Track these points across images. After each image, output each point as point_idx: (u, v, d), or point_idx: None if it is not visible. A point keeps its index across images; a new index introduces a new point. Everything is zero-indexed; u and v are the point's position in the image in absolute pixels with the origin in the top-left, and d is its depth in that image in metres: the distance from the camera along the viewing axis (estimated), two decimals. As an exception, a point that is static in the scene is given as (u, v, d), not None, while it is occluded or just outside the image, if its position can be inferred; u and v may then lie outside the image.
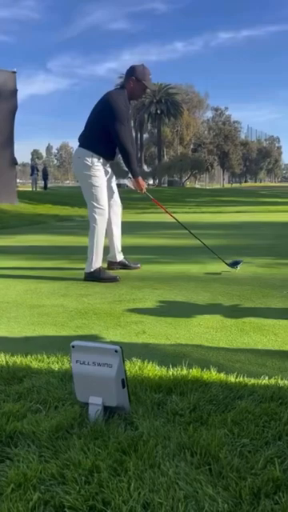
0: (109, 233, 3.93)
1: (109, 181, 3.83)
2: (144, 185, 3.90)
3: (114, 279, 3.62)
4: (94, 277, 3.62)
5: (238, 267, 3.86)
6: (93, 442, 1.24)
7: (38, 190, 27.13)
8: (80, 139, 3.71)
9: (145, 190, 3.92)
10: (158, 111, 51.60)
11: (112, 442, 1.23)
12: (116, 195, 3.94)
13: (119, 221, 4.01)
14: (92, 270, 3.62)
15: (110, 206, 3.81)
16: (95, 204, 3.61)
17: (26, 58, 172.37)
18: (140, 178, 3.85)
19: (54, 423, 1.34)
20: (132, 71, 3.65)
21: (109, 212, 3.78)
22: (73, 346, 1.41)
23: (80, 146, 3.68)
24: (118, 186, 4.08)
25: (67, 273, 4.01)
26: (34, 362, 1.83)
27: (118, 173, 4.03)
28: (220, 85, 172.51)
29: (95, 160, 3.60)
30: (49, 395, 1.52)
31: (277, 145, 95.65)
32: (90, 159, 3.59)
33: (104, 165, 3.69)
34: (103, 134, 3.58)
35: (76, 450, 1.20)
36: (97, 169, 3.61)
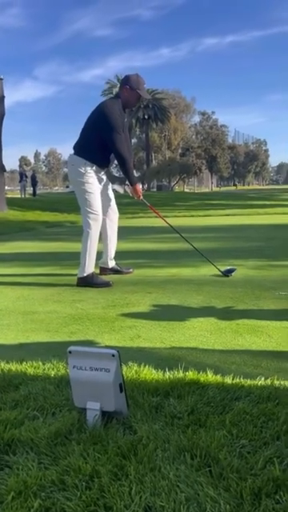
0: (104, 239, 3.96)
1: (104, 187, 3.87)
2: (141, 191, 3.94)
3: (106, 284, 3.62)
4: (87, 282, 3.61)
5: (232, 275, 3.89)
6: (92, 448, 1.23)
7: (26, 196, 27.01)
8: (75, 147, 3.75)
9: (142, 197, 3.96)
10: (146, 116, 51.79)
11: (111, 447, 1.23)
12: (113, 202, 3.98)
13: (116, 227, 4.04)
14: (85, 274, 3.62)
15: (106, 212, 3.86)
16: (88, 209, 3.64)
17: (13, 66, 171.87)
18: (138, 185, 3.91)
19: (53, 429, 1.33)
20: (126, 80, 3.69)
21: (105, 219, 3.83)
22: (70, 352, 1.41)
23: (75, 153, 3.72)
24: None
25: (59, 279, 4.00)
26: (29, 368, 1.82)
27: (109, 179, 4.06)
28: (206, 89, 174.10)
29: (88, 168, 3.65)
30: (46, 402, 1.51)
31: (264, 148, 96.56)
32: (83, 167, 3.64)
33: (98, 172, 3.74)
34: (98, 142, 3.62)
35: (75, 456, 1.19)
36: (90, 176, 3.66)
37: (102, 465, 1.15)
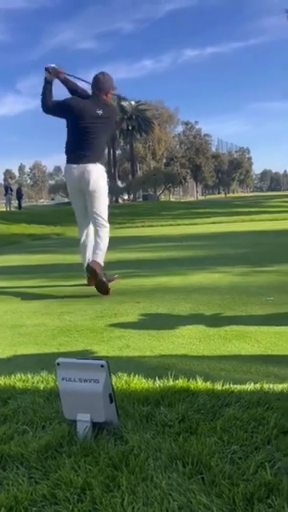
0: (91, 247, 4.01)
1: None
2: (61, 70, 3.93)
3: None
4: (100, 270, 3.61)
5: None
6: (83, 460, 1.22)
7: (12, 209, 26.88)
8: (89, 155, 3.78)
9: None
10: (130, 127, 52.14)
11: (103, 458, 1.22)
12: None
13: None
14: (102, 264, 3.65)
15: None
16: (106, 212, 3.85)
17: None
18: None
19: (43, 443, 1.31)
20: (108, 82, 3.88)
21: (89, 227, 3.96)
22: (58, 364, 1.40)
23: (95, 162, 3.79)
24: None
25: (47, 291, 3.98)
26: (18, 382, 1.80)
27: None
28: (189, 100, 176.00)
29: (104, 172, 3.91)
30: (35, 415, 1.50)
31: (247, 156, 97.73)
32: (103, 172, 3.87)
33: None
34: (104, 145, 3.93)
35: (66, 469, 1.18)
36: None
37: (94, 477, 1.14)
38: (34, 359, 2.21)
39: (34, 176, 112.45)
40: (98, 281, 3.59)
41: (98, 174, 3.81)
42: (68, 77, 3.94)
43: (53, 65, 3.84)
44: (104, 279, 3.70)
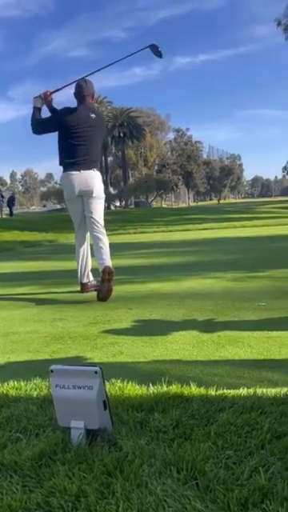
0: (87, 254, 4.03)
1: None
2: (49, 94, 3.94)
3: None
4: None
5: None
6: (77, 467, 1.22)
7: (3, 216, 26.78)
8: (89, 161, 3.85)
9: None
10: (121, 134, 52.38)
11: (97, 465, 1.21)
12: None
13: None
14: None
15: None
16: (103, 218, 3.91)
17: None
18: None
19: (36, 451, 1.31)
20: (92, 87, 3.97)
21: (85, 235, 4.02)
22: (51, 371, 1.39)
23: (95, 169, 3.89)
24: None
25: (40, 298, 3.96)
26: (11, 390, 1.79)
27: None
28: (180, 107, 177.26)
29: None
30: (29, 423, 1.49)
31: (238, 162, 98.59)
32: (101, 179, 3.96)
33: None
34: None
35: (61, 477, 1.18)
36: None
37: (88, 484, 1.14)
38: (27, 366, 2.20)
39: (25, 183, 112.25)
40: (111, 286, 3.60)
41: (99, 181, 3.89)
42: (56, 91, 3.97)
43: (41, 93, 3.90)
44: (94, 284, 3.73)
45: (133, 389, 1.71)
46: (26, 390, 1.77)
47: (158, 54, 4.07)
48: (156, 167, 64.42)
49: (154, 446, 1.31)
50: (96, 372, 1.35)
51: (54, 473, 1.20)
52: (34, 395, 1.72)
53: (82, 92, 3.90)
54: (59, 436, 1.38)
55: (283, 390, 1.63)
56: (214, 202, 77.40)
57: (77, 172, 3.81)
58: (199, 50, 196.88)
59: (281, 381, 1.84)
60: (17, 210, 38.32)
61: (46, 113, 3.93)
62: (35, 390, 1.78)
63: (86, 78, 3.97)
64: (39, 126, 3.91)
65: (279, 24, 38.27)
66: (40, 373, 1.94)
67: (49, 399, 1.58)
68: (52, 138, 3.90)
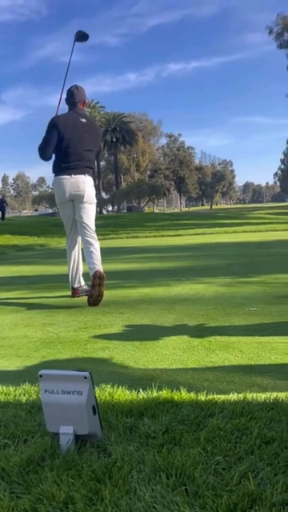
0: (78, 259, 4.04)
1: None
2: None
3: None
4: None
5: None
6: (66, 473, 1.21)
7: (-5, 220, 26.61)
8: (81, 166, 3.86)
9: None
10: (114, 139, 52.45)
11: (86, 471, 1.20)
12: None
13: None
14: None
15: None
16: (94, 223, 3.93)
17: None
18: None
19: (24, 457, 1.29)
20: (83, 94, 4.01)
21: (77, 239, 4.03)
22: (41, 376, 1.38)
23: (87, 174, 3.89)
24: None
25: (30, 303, 3.94)
26: (-1, 395, 1.77)
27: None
28: (173, 113, 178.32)
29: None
30: (17, 429, 1.47)
31: (230, 168, 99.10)
32: (93, 185, 3.98)
33: None
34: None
35: (49, 483, 1.16)
36: None
37: (77, 490, 1.13)
38: (16, 372, 2.18)
39: (17, 187, 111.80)
40: (101, 291, 3.59)
41: (90, 186, 3.90)
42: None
43: None
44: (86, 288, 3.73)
45: (123, 394, 1.71)
46: (15, 396, 1.76)
47: (84, 38, 4.32)
48: (148, 172, 64.58)
49: (143, 452, 1.30)
50: (85, 377, 1.34)
51: (42, 479, 1.19)
52: (23, 400, 1.70)
53: (73, 98, 3.92)
54: (48, 442, 1.37)
55: (273, 396, 1.64)
56: (206, 207, 77.74)
57: (68, 176, 3.81)
58: (191, 56, 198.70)
59: (270, 386, 1.84)
60: (8, 213, 38.12)
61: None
62: (24, 395, 1.76)
63: (78, 85, 3.99)
64: (45, 145, 3.82)
65: (271, 32, 38.81)
66: (29, 378, 1.93)
67: (38, 404, 1.56)
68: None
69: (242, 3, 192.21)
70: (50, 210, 57.89)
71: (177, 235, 13.93)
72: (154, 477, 1.18)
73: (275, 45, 39.20)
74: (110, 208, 56.40)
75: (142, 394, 1.70)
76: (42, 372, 1.39)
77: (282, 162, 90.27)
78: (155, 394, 1.69)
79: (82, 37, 4.32)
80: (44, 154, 3.82)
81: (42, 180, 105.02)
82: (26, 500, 1.11)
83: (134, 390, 1.75)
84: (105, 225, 17.52)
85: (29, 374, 2.02)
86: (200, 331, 2.75)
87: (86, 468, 1.22)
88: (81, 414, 1.33)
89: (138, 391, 1.73)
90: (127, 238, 13.72)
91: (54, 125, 3.81)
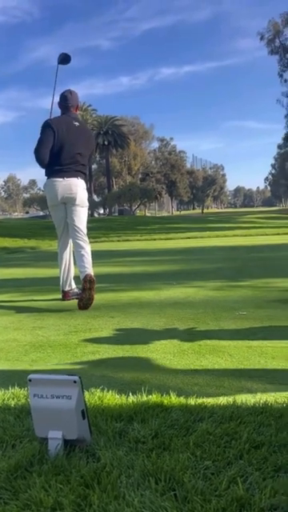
0: (70, 262, 4.02)
1: None
2: None
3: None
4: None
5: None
6: (54, 479, 1.20)
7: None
8: (74, 169, 3.85)
9: None
10: (106, 142, 52.48)
11: (74, 477, 1.20)
12: None
13: None
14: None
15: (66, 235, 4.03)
16: (85, 226, 3.92)
17: None
18: None
19: (12, 462, 1.28)
20: (77, 99, 4.03)
21: (68, 242, 4.01)
22: (30, 380, 1.37)
23: (80, 177, 3.89)
24: None
25: (20, 305, 3.91)
26: (-12, 400, 1.75)
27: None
28: (165, 117, 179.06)
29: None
30: (5, 433, 1.46)
31: (221, 172, 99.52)
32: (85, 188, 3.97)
33: None
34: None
35: (37, 489, 1.15)
36: None
37: (65, 496, 1.12)
38: (5, 375, 2.16)
39: (8, 189, 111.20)
40: (92, 294, 3.58)
41: (83, 189, 3.89)
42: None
43: None
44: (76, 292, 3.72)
45: (112, 398, 1.70)
46: (4, 400, 1.74)
47: (66, 61, 4.41)
48: (140, 176, 64.68)
49: (132, 457, 1.29)
50: (75, 381, 1.34)
51: (29, 485, 1.18)
52: (12, 405, 1.69)
53: (66, 103, 3.93)
54: (36, 447, 1.36)
55: (262, 400, 1.64)
56: (198, 211, 78.02)
57: (61, 179, 3.80)
58: (184, 61, 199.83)
59: (260, 390, 1.85)
60: (-1, 215, 37.94)
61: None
62: (13, 399, 1.75)
63: (72, 90, 4.00)
64: (40, 147, 3.78)
65: (262, 38, 39.21)
66: (18, 382, 1.92)
67: (27, 409, 1.55)
68: (33, 146, 3.88)
69: (233, 9, 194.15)
70: (41, 213, 57.67)
71: (168, 239, 13.95)
72: (143, 482, 1.18)
73: (267, 50, 39.62)
74: (102, 211, 56.34)
75: (132, 399, 1.70)
76: (31, 376, 1.38)
77: (273, 166, 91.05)
78: (145, 398, 1.69)
79: (64, 59, 4.39)
80: (40, 155, 3.79)
81: (33, 182, 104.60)
82: (14, 506, 1.10)
83: (123, 395, 1.74)
84: (96, 228, 17.49)
85: (18, 378, 2.01)
86: (190, 335, 2.75)
87: (75, 473, 1.21)
88: (70, 419, 1.32)
89: (128, 395, 1.73)
90: (118, 241, 13.72)
91: (48, 126, 3.80)
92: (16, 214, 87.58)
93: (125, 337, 2.80)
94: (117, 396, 1.73)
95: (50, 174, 3.84)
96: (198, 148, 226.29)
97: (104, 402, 1.66)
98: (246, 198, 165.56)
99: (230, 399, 1.67)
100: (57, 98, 4.01)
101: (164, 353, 2.43)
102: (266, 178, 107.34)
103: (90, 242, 3.94)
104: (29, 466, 1.27)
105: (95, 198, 56.91)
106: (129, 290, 4.56)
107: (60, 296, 4.04)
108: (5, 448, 1.38)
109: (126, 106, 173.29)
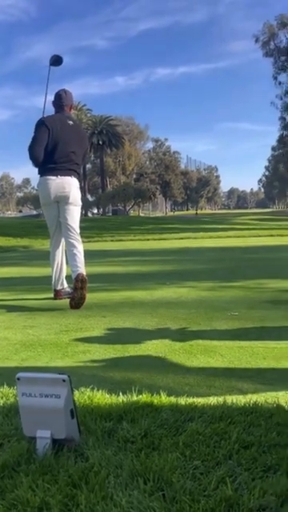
0: (62, 261, 4.00)
1: None
2: None
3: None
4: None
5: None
6: (41, 478, 1.18)
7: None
8: (68, 168, 3.83)
9: None
10: (100, 142, 52.41)
11: (62, 476, 1.18)
12: None
13: None
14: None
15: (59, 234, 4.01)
16: (78, 226, 3.91)
17: None
18: None
19: None
20: (71, 98, 4.03)
21: (61, 241, 3.98)
22: (18, 379, 1.36)
23: (73, 176, 3.87)
24: None
25: (11, 304, 3.89)
26: (-24, 398, 1.73)
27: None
28: (159, 117, 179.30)
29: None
30: (-7, 433, 1.44)
31: (215, 174, 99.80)
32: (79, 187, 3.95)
33: None
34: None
35: (24, 488, 1.14)
36: None
37: (52, 496, 1.11)
38: (-5, 374, 2.14)
39: (1, 188, 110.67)
40: (84, 294, 3.55)
41: (76, 188, 3.87)
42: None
43: None
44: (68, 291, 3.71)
45: (102, 398, 1.69)
46: (-8, 399, 1.72)
47: (58, 63, 4.41)
48: (134, 176, 64.66)
49: (121, 457, 1.28)
50: (64, 380, 1.32)
51: (16, 484, 1.16)
52: (1, 404, 1.67)
53: (61, 102, 3.92)
54: (24, 446, 1.34)
55: (252, 400, 1.64)
56: (192, 212, 78.15)
57: (54, 177, 3.78)
58: (179, 62, 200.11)
59: (250, 390, 1.85)
60: (-8, 214, 37.75)
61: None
62: (1, 398, 1.73)
63: (66, 89, 3.99)
64: (34, 144, 3.76)
65: (257, 40, 39.37)
66: (7, 381, 1.89)
67: (15, 408, 1.53)
68: (27, 144, 3.85)
69: (229, 11, 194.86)
70: (35, 212, 57.46)
71: (161, 239, 13.96)
72: (131, 482, 1.17)
73: (261, 53, 39.78)
74: (96, 211, 56.26)
75: (122, 398, 1.68)
76: (19, 375, 1.36)
77: (267, 168, 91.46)
78: (135, 397, 1.68)
79: (56, 61, 4.39)
80: (35, 153, 3.76)
81: (26, 181, 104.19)
82: (0, 506, 1.08)
83: (113, 394, 1.73)
84: (89, 227, 17.45)
85: (7, 377, 1.98)
86: (182, 335, 2.75)
87: (63, 473, 1.20)
88: (58, 418, 1.31)
89: (118, 395, 1.72)
90: (112, 241, 13.69)
91: (42, 123, 3.78)
92: (9, 212, 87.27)
93: (116, 336, 2.79)
94: (107, 395, 1.72)
95: (44, 172, 3.82)
96: (193, 149, 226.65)
97: (94, 402, 1.65)
98: (239, 199, 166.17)
99: (221, 399, 1.67)
100: (49, 99, 4.02)
101: (155, 352, 2.42)
102: (260, 180, 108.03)
103: (83, 242, 3.92)
104: (16, 466, 1.26)
105: (89, 197, 56.79)
106: (121, 289, 4.55)
107: (52, 295, 4.02)
108: (-8, 447, 1.37)
109: (122, 106, 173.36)
